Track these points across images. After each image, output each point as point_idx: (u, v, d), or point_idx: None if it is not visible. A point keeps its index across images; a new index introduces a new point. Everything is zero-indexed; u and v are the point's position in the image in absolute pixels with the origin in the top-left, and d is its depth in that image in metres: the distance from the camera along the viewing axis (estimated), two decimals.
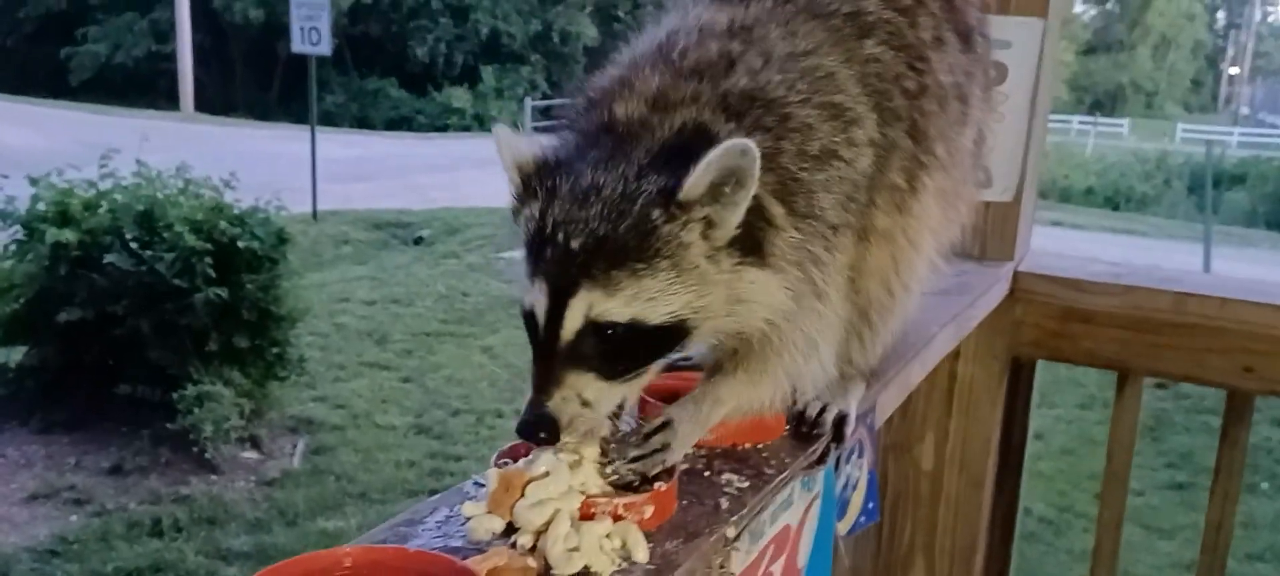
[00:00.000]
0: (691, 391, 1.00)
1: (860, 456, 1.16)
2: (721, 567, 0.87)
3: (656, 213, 0.85)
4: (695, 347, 1.20)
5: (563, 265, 0.86)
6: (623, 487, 0.87)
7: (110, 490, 6.07)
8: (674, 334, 0.88)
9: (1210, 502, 1.98)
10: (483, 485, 0.86)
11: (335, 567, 0.73)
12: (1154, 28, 55.78)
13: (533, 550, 0.79)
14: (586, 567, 0.78)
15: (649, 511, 0.84)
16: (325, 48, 14.48)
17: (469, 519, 0.82)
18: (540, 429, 0.85)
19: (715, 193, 0.86)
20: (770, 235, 0.91)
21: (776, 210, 0.92)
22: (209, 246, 6.53)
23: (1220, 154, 25.52)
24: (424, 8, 33.78)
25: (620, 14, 37.29)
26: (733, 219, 0.87)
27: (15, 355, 6.95)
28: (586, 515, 0.82)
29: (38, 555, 5.36)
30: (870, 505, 1.19)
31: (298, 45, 14.34)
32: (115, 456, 6.36)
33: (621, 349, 0.86)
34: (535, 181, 0.91)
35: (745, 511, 0.90)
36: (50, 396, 6.73)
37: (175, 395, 6.40)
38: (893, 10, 1.08)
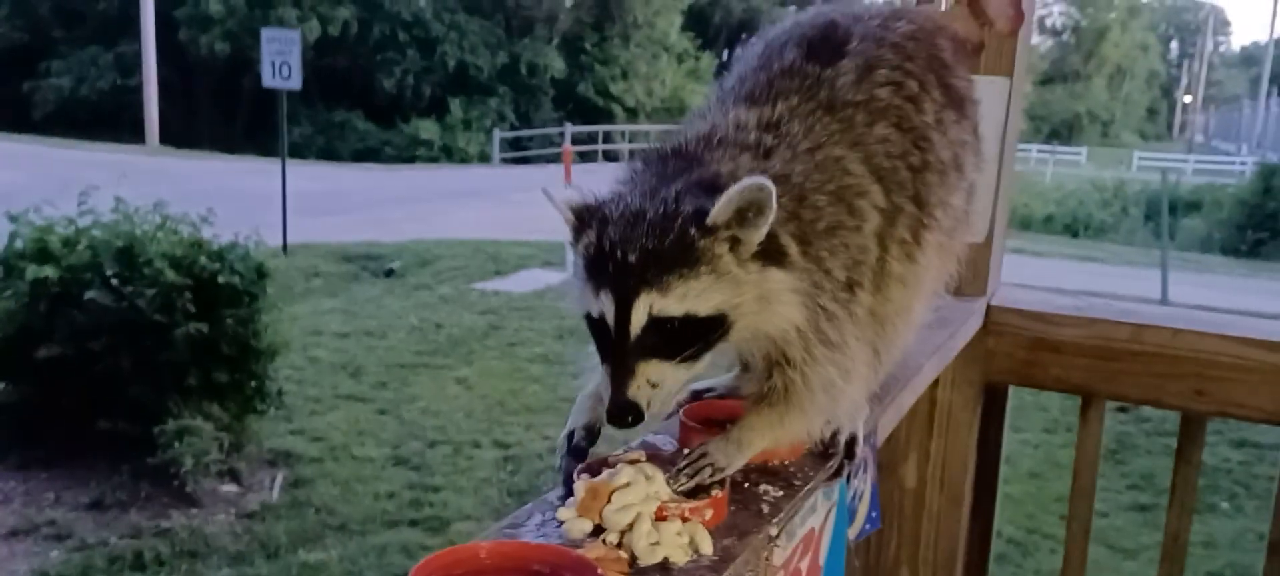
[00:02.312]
0: (734, 421, 1.19)
1: (866, 471, 1.33)
2: (767, 560, 1.05)
3: (693, 231, 1.05)
4: (711, 379, 1.37)
5: (625, 276, 1.05)
6: (686, 496, 1.05)
7: (91, 525, 6.09)
8: (718, 323, 1.08)
9: (1168, 516, 2.14)
10: (568, 495, 1.03)
11: (473, 559, 0.89)
12: (1109, 58, 57.00)
13: (618, 546, 0.96)
14: (666, 559, 0.95)
15: (709, 514, 1.02)
16: (296, 82, 14.55)
17: (563, 522, 0.99)
18: (626, 413, 1.05)
19: (740, 217, 1.06)
20: (786, 259, 1.11)
21: (791, 247, 1.12)
22: (189, 282, 6.58)
23: (1176, 181, 26.10)
24: (391, 40, 33.89)
25: (587, 46, 37.69)
26: (755, 237, 1.07)
27: None
28: (660, 517, 0.99)
29: None
30: (873, 514, 1.35)
31: (269, 80, 14.41)
32: (95, 491, 6.38)
33: (678, 337, 1.06)
34: (587, 215, 1.11)
35: (782, 515, 1.09)
36: (28, 432, 6.74)
37: (155, 430, 6.43)
38: (900, 98, 1.27)
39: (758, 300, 1.08)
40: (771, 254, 1.09)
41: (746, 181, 1.04)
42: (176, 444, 6.39)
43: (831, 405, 1.18)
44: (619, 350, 1.06)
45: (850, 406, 1.23)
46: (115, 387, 6.53)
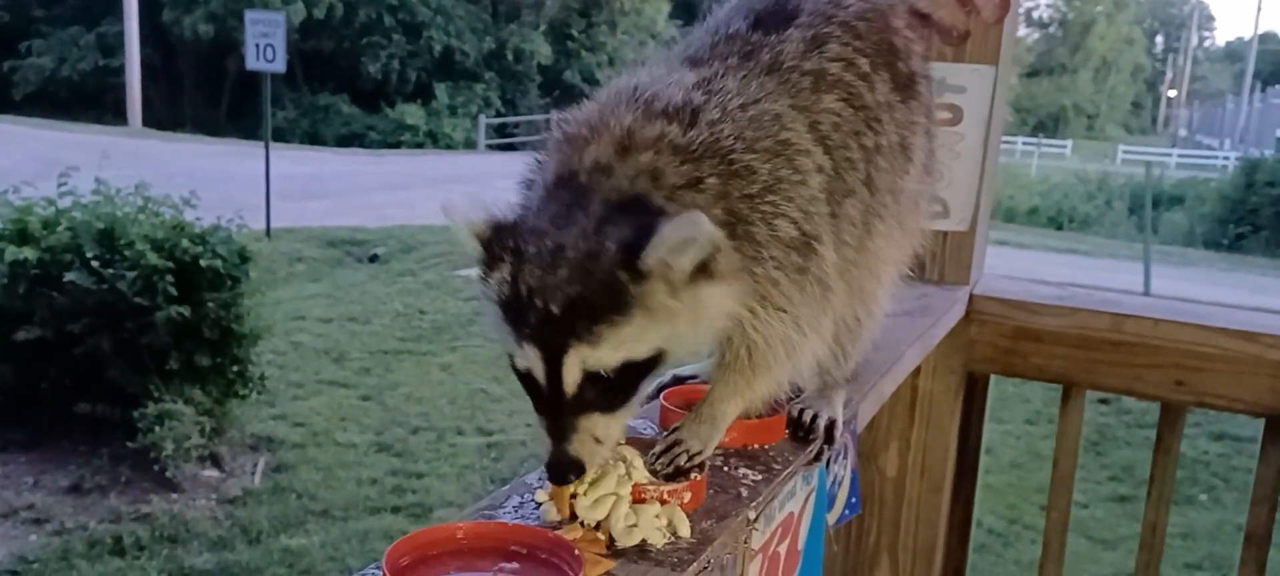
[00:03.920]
0: (700, 401, 1.17)
1: (845, 457, 1.33)
2: (745, 543, 1.05)
3: (622, 275, 0.96)
4: (694, 366, 1.36)
5: (549, 328, 0.96)
6: (665, 478, 1.04)
7: (70, 509, 6.06)
8: (655, 361, 1.01)
9: (1146, 505, 2.15)
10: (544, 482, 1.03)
11: (450, 539, 0.89)
12: (1095, 52, 57.21)
13: (597, 527, 0.96)
14: (644, 541, 0.94)
15: (687, 497, 1.01)
16: (280, 65, 14.44)
17: (541, 504, 0.99)
18: (568, 470, 0.97)
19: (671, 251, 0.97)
20: (715, 255, 1.02)
21: (719, 237, 1.02)
22: (170, 265, 6.53)
23: (1159, 175, 26.23)
24: (377, 24, 33.65)
25: (574, 33, 37.56)
26: (686, 265, 0.98)
27: None
28: (638, 499, 0.98)
29: None
30: (853, 499, 1.35)
31: (252, 63, 14.29)
32: (75, 475, 6.34)
33: (615, 385, 0.98)
34: (496, 246, 1.01)
35: (761, 499, 1.08)
36: (7, 416, 6.68)
37: (135, 413, 6.40)
38: (852, 75, 1.22)
39: (692, 322, 1.01)
40: (701, 264, 0.99)
41: (677, 221, 0.95)
42: (157, 428, 6.36)
43: (793, 360, 1.14)
44: (554, 408, 0.98)
45: (808, 365, 1.19)
46: (95, 371, 6.49)
